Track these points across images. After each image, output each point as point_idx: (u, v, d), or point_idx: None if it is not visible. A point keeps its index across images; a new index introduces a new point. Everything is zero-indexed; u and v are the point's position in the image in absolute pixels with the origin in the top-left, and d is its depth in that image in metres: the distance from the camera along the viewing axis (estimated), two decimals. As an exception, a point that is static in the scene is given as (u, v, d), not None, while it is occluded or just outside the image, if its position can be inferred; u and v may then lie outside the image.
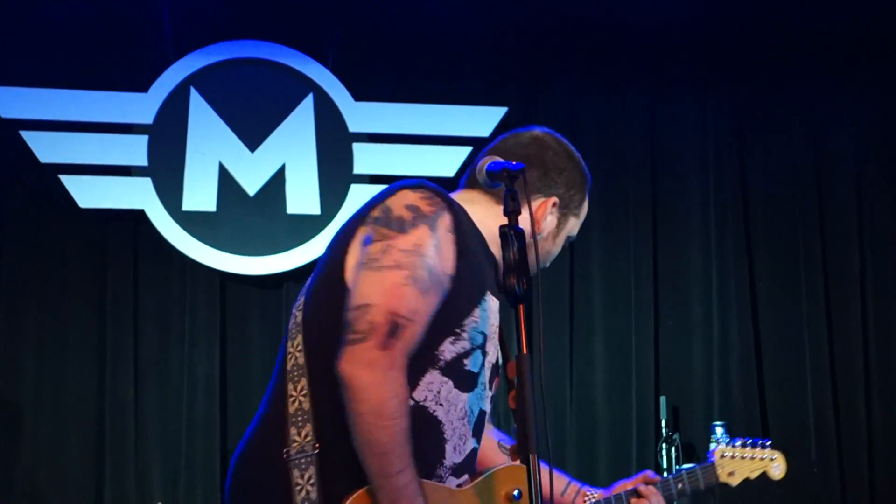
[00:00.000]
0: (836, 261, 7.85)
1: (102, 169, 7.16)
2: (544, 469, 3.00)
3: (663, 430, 7.13)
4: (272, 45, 7.43)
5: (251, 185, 7.28)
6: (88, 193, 7.12)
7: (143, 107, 7.26)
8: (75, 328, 7.11)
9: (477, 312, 2.96)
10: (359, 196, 7.26)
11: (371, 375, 2.73)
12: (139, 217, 7.17)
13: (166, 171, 7.23)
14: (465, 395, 2.98)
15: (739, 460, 3.75)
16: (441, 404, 2.94)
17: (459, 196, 3.12)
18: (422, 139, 7.38)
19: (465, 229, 2.94)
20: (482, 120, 7.42)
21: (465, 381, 2.97)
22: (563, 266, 7.58)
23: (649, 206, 7.78)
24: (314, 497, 2.81)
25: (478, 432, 3.06)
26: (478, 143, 7.32)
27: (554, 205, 3.19)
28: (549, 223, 3.21)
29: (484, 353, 3.01)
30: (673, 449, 7.11)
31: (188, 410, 7.03)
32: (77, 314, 7.13)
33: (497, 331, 3.07)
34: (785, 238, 7.86)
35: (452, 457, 2.97)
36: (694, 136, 7.88)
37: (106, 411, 7.02)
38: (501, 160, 2.99)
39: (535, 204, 3.17)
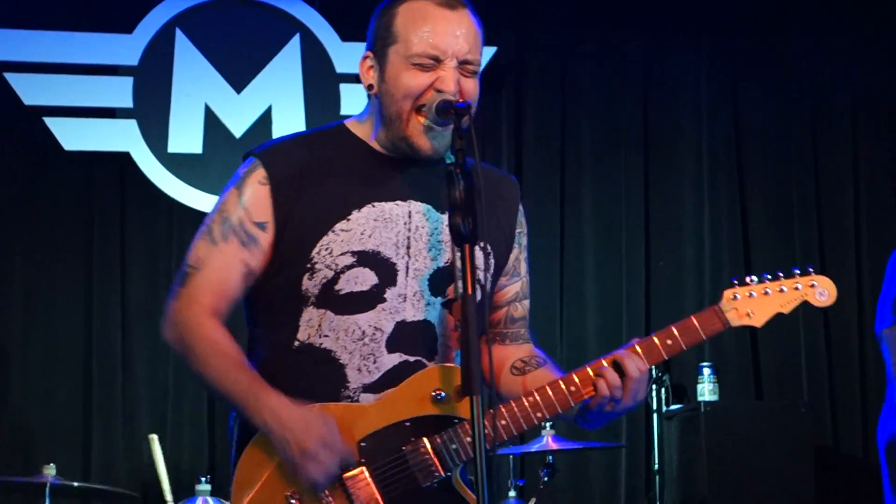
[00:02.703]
0: (830, 201, 7.80)
1: (87, 111, 7.14)
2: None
3: (653, 372, 7.11)
4: (258, -16, 7.37)
5: (238, 126, 7.24)
6: (73, 136, 7.09)
7: (128, 48, 7.21)
8: (62, 271, 7.09)
9: (328, 238, 3.05)
10: (346, 137, 7.18)
11: (166, 319, 3.07)
12: (125, 159, 7.14)
13: (152, 113, 7.19)
14: (356, 318, 3.05)
15: (761, 297, 3.18)
16: (326, 335, 3.06)
17: (356, 119, 3.19)
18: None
19: (293, 173, 3.06)
20: (471, 60, 7.33)
21: (349, 303, 3.05)
22: (554, 208, 7.54)
23: (641, 148, 7.73)
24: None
25: (406, 345, 3.07)
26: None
27: (364, 59, 3.13)
28: (372, 77, 3.10)
29: (377, 269, 3.06)
30: (663, 390, 7.10)
31: (175, 352, 6.99)
32: (64, 257, 7.10)
33: (406, 236, 3.09)
34: (778, 179, 7.80)
35: (359, 377, 3.04)
36: (687, 78, 7.81)
37: (93, 353, 7.01)
38: (451, 98, 2.96)
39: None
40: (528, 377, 3.23)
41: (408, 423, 3.01)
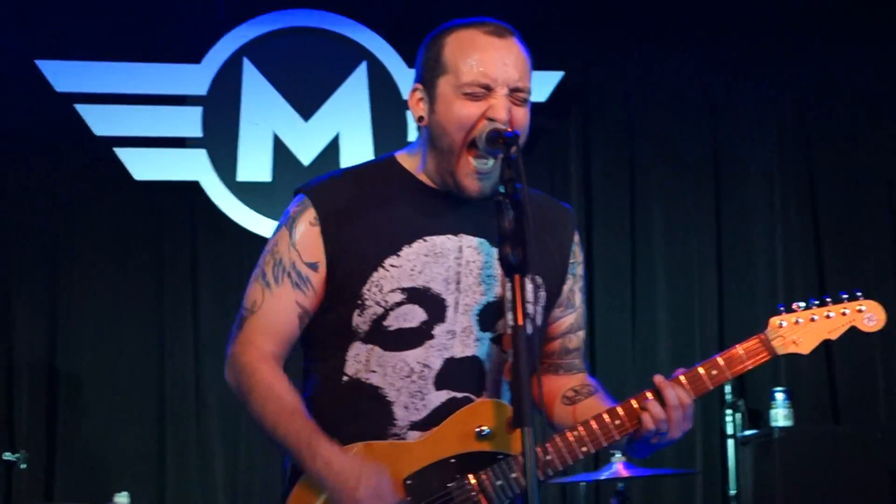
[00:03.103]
0: (905, 222, 7.69)
1: (157, 141, 7.18)
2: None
3: (727, 397, 7.02)
4: (325, 13, 7.39)
5: (306, 154, 7.25)
6: (143, 166, 7.13)
7: (196, 78, 7.25)
8: (134, 300, 7.13)
9: (378, 275, 3.04)
10: (414, 163, 7.18)
11: (227, 363, 3.08)
12: (194, 188, 7.17)
13: (221, 142, 7.23)
14: (404, 354, 3.04)
15: (808, 324, 3.12)
16: (374, 370, 3.05)
17: (406, 151, 3.17)
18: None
19: (341, 211, 3.04)
20: (539, 85, 7.26)
21: (398, 340, 3.04)
22: (624, 235, 7.48)
23: (711, 173, 7.65)
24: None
25: (454, 382, 3.06)
26: (536, 110, 7.21)
27: (414, 91, 3.11)
28: (422, 108, 3.07)
29: (426, 305, 3.05)
30: (738, 415, 7.00)
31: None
32: (135, 286, 7.14)
33: (456, 271, 3.07)
34: (851, 200, 7.69)
35: (407, 415, 3.04)
36: (755, 98, 7.73)
37: (166, 381, 7.05)
38: (501, 127, 2.92)
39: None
40: (577, 407, 3.20)
41: (453, 460, 3.01)
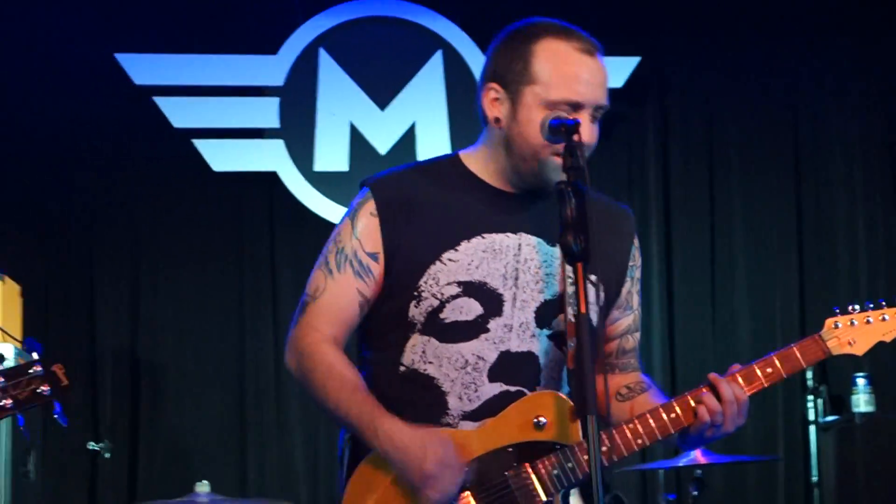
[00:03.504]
0: None
1: (235, 132, 7.23)
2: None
3: (809, 383, 6.96)
4: (400, 2, 7.42)
5: (382, 143, 7.27)
6: (222, 157, 7.19)
7: (273, 69, 7.28)
8: (213, 290, 7.20)
9: (435, 268, 3.10)
10: (491, 151, 7.17)
11: (287, 347, 3.15)
12: (272, 179, 7.21)
13: (298, 133, 7.26)
14: (459, 346, 3.10)
15: (863, 326, 3.21)
16: (430, 361, 3.12)
17: (470, 149, 3.22)
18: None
19: (402, 204, 3.11)
20: (614, 70, 7.14)
21: (453, 332, 3.10)
22: (703, 221, 7.43)
23: (791, 155, 7.59)
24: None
25: (508, 375, 3.11)
26: (612, 96, 7.18)
27: (486, 94, 3.12)
28: (499, 110, 3.09)
29: (483, 299, 3.10)
30: (819, 401, 6.94)
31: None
32: (214, 277, 7.21)
33: (515, 268, 3.12)
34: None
35: (460, 405, 3.09)
36: (837, 79, 7.64)
37: (246, 372, 7.12)
38: (564, 115, 2.95)
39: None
40: (632, 403, 3.26)
41: (510, 449, 3.05)
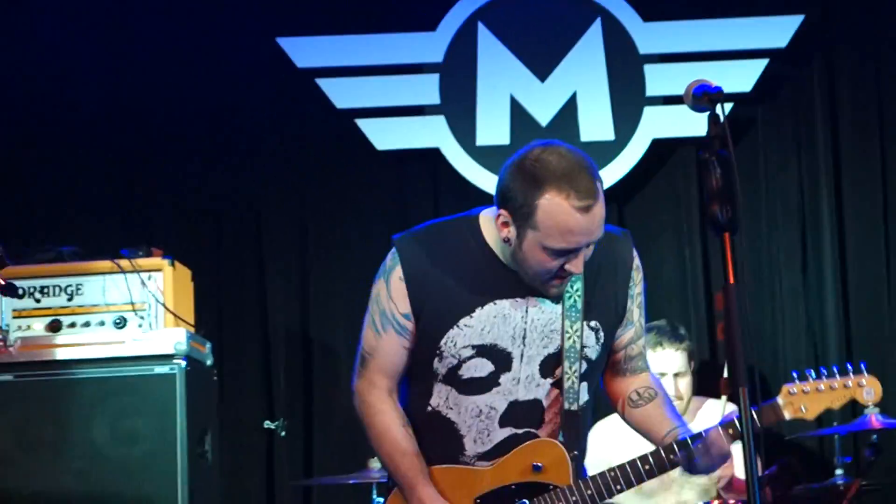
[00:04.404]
0: None
1: (397, 110, 7.27)
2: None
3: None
4: (556, -28, 7.34)
5: (543, 115, 7.24)
6: (385, 135, 7.24)
7: (432, 45, 7.30)
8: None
9: (454, 332, 3.63)
10: (652, 119, 7.13)
11: (354, 395, 3.87)
12: (435, 155, 7.24)
13: (459, 108, 7.26)
14: (474, 398, 3.66)
15: (815, 393, 3.63)
16: (451, 408, 3.69)
17: (490, 213, 3.68)
18: (715, 55, 7.13)
19: (424, 271, 3.64)
20: (777, 30, 7.11)
21: (469, 386, 3.66)
22: (875, 188, 7.16)
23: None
24: None
25: (516, 420, 3.66)
26: (774, 56, 7.06)
27: (498, 217, 3.54)
28: (507, 233, 3.51)
29: (494, 358, 3.62)
30: None
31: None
32: (380, 255, 7.17)
33: (522, 328, 3.62)
34: None
35: (475, 447, 3.68)
36: None
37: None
38: (707, 83, 3.02)
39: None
40: (643, 411, 3.82)
41: (514, 487, 3.65)
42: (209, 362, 5.96)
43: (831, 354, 7.00)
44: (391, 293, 3.69)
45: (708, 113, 2.93)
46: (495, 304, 3.63)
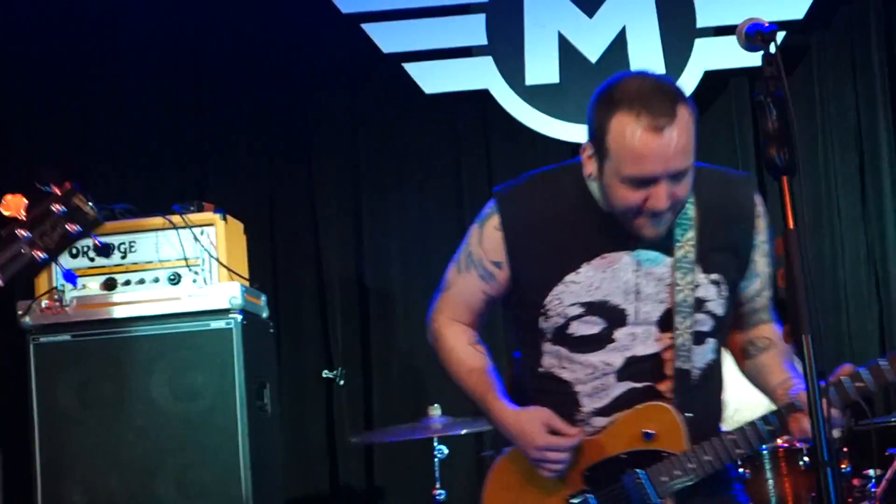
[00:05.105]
0: None
1: (444, 53, 7.20)
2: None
3: None
4: None
5: (592, 52, 7.13)
6: (433, 78, 7.17)
7: (478, -10, 7.22)
8: (434, 213, 7.22)
9: (559, 289, 3.42)
10: (704, 50, 7.02)
11: (428, 329, 3.74)
12: (485, 96, 7.17)
13: (507, 48, 7.18)
14: (587, 356, 3.44)
15: None
16: (564, 367, 3.48)
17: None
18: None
19: (525, 224, 3.46)
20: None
21: (581, 344, 3.45)
22: None
23: None
24: None
25: (635, 375, 3.44)
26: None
27: (583, 151, 3.35)
28: (592, 166, 3.33)
29: (606, 315, 3.40)
30: None
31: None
32: (434, 199, 7.22)
33: (635, 283, 3.40)
34: None
35: (591, 403, 3.47)
36: None
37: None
38: (759, 21, 2.90)
39: None
40: (753, 362, 3.62)
41: (624, 456, 3.44)
42: (265, 315, 5.97)
43: (893, 282, 6.91)
44: (482, 240, 3.53)
45: (762, 52, 2.83)
46: (604, 257, 3.40)
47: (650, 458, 3.41)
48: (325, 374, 6.60)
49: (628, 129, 3.16)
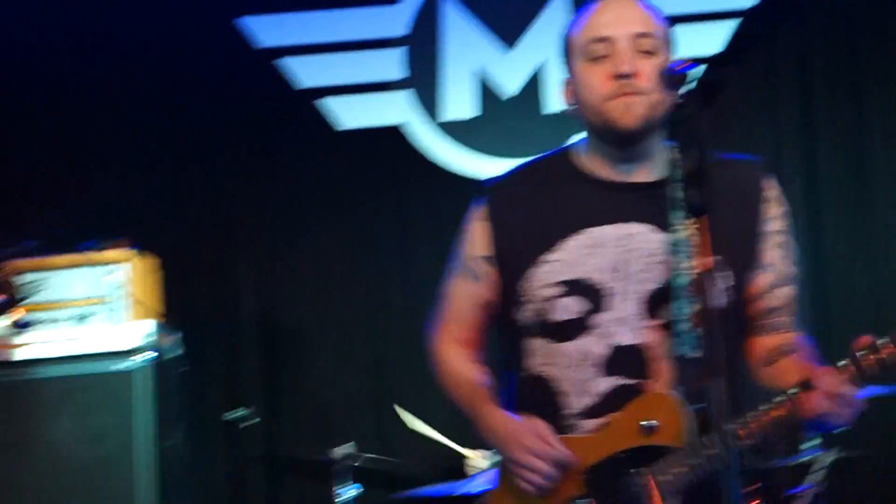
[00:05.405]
0: None
1: (360, 87, 7.14)
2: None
3: None
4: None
5: (512, 85, 7.09)
6: (348, 113, 7.11)
7: (396, 18, 7.17)
8: (347, 249, 7.13)
9: (531, 271, 3.21)
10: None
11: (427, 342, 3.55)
12: (399, 133, 7.11)
13: (425, 82, 7.13)
14: (566, 345, 3.19)
15: None
16: (547, 363, 3.23)
17: (581, 142, 3.33)
18: (683, 18, 6.96)
19: (509, 210, 3.29)
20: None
21: (561, 331, 3.20)
22: (849, 141, 7.02)
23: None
24: None
25: (621, 368, 3.15)
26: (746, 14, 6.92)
27: (561, 86, 3.29)
28: (570, 96, 3.26)
29: (587, 295, 3.17)
30: None
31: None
32: (347, 234, 7.15)
33: (624, 259, 3.16)
34: None
35: (578, 402, 3.18)
36: None
37: (384, 330, 7.05)
38: (672, 63, 2.90)
39: None
40: (771, 369, 3.22)
41: (624, 455, 3.12)
42: (179, 352, 5.87)
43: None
44: (470, 238, 3.37)
45: (679, 92, 2.80)
46: (583, 232, 3.19)
47: (653, 454, 3.09)
48: (232, 414, 6.50)
49: (588, 9, 3.21)
